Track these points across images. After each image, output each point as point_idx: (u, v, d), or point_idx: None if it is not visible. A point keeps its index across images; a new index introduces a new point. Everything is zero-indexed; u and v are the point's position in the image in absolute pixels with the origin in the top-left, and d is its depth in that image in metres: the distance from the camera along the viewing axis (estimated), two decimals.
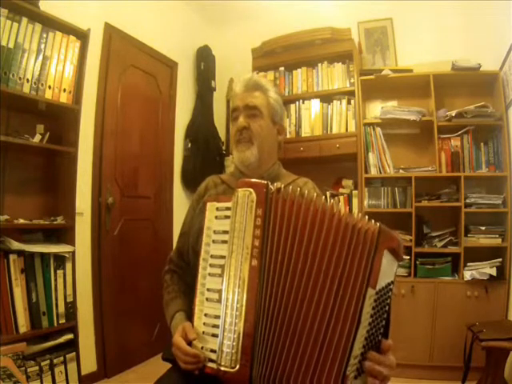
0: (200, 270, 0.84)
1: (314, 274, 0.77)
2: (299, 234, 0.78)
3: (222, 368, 0.75)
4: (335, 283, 0.76)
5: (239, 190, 0.82)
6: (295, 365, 0.75)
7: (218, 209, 0.86)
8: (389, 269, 0.77)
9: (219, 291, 0.79)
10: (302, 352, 0.75)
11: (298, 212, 0.79)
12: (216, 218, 0.85)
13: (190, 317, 0.86)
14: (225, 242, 0.81)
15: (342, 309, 0.75)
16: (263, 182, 0.82)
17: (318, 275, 0.76)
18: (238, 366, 0.73)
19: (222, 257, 0.81)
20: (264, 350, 0.75)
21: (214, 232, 0.84)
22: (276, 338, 0.76)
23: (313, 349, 0.75)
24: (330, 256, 0.77)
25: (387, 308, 0.78)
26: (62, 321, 1.91)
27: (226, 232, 0.82)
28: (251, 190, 0.81)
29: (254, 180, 0.84)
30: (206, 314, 0.81)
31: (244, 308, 0.75)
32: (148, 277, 2.77)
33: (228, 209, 0.83)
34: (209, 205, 0.88)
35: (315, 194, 0.82)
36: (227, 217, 0.82)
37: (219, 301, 0.79)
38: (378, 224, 0.77)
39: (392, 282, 0.79)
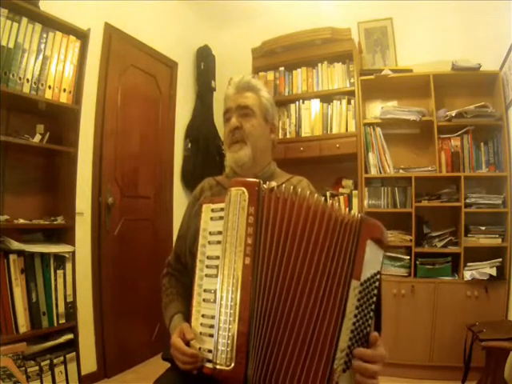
0: (197, 271, 0.85)
1: (304, 270, 0.78)
2: (291, 231, 0.79)
3: (218, 366, 0.75)
4: (323, 278, 0.77)
5: (232, 189, 0.82)
6: (285, 361, 0.76)
7: (212, 210, 0.86)
8: (374, 258, 0.78)
9: (215, 291, 0.79)
10: (292, 347, 0.76)
11: (291, 209, 0.80)
12: (211, 219, 0.86)
13: (188, 318, 0.86)
14: (220, 242, 0.82)
15: (329, 303, 0.76)
16: (255, 180, 0.82)
17: (308, 271, 0.78)
18: (233, 364, 0.73)
19: (218, 257, 0.81)
20: (258, 347, 0.76)
21: (210, 233, 0.85)
22: (269, 334, 0.76)
23: (302, 344, 0.76)
24: (320, 251, 0.78)
25: (375, 299, 0.78)
26: (62, 321, 1.91)
27: (220, 233, 0.82)
28: (243, 188, 0.81)
29: (246, 179, 0.84)
30: (203, 315, 0.81)
31: (238, 306, 0.75)
32: (148, 277, 2.77)
33: (222, 210, 0.83)
34: (204, 206, 0.88)
35: (308, 192, 0.83)
36: (222, 218, 0.83)
37: (215, 301, 0.79)
38: (360, 215, 0.79)
39: (378, 272, 0.79)
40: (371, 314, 0.78)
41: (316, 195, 0.83)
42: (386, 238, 0.80)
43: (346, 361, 0.75)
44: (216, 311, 0.78)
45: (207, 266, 0.83)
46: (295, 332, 0.76)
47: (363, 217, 0.79)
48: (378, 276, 0.79)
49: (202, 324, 0.81)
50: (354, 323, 0.76)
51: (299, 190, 0.83)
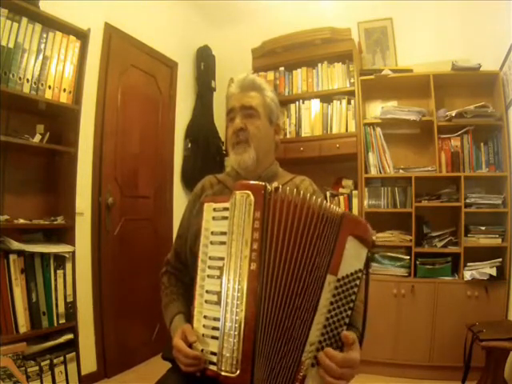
0: (198, 271, 0.84)
1: (298, 268, 0.78)
2: (293, 235, 0.79)
3: (223, 373, 0.74)
4: (308, 273, 0.77)
5: (237, 192, 0.81)
6: (284, 361, 0.76)
7: (215, 209, 0.85)
8: (355, 256, 0.77)
9: (218, 293, 0.79)
10: (281, 345, 0.76)
11: (294, 212, 0.79)
12: (213, 218, 0.85)
13: (189, 319, 0.85)
14: (223, 243, 0.81)
15: (308, 296, 0.76)
16: (261, 184, 0.82)
17: (298, 268, 0.78)
18: (238, 371, 0.73)
19: (221, 258, 0.80)
20: (263, 353, 0.75)
21: (212, 233, 0.84)
22: (273, 339, 0.76)
23: (288, 338, 0.76)
24: (309, 246, 0.78)
25: (354, 297, 0.77)
26: (62, 321, 1.91)
27: (223, 233, 0.81)
28: (249, 192, 0.80)
29: (251, 182, 0.84)
30: (205, 316, 0.81)
31: (244, 312, 0.75)
32: (148, 277, 2.77)
33: (225, 209, 0.83)
34: (206, 205, 0.87)
35: (309, 193, 0.82)
36: (225, 217, 0.82)
37: (218, 303, 0.78)
38: (342, 211, 0.79)
39: (361, 271, 0.78)
40: (348, 312, 0.77)
41: (315, 196, 0.82)
42: (370, 236, 0.79)
43: (315, 355, 0.75)
44: (221, 316, 0.77)
45: (209, 267, 0.82)
46: (287, 330, 0.76)
47: (345, 213, 0.79)
48: (360, 274, 0.78)
49: (204, 326, 0.80)
50: (327, 318, 0.76)
51: (302, 190, 0.83)
